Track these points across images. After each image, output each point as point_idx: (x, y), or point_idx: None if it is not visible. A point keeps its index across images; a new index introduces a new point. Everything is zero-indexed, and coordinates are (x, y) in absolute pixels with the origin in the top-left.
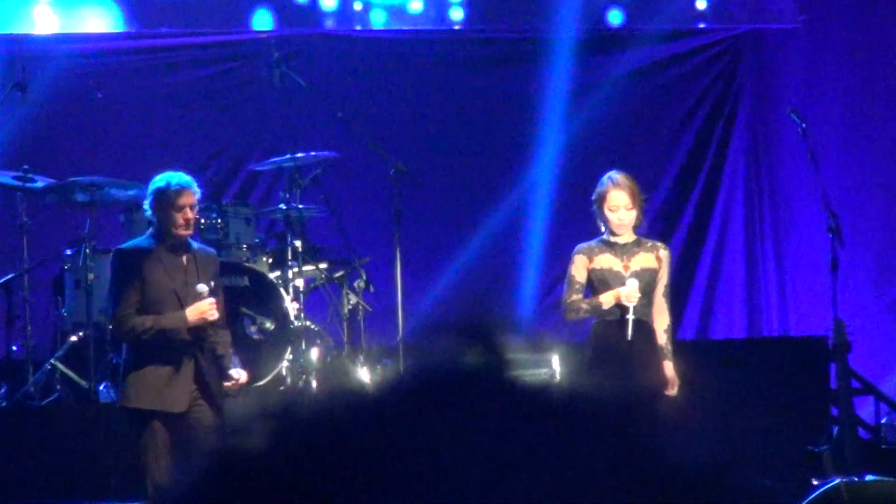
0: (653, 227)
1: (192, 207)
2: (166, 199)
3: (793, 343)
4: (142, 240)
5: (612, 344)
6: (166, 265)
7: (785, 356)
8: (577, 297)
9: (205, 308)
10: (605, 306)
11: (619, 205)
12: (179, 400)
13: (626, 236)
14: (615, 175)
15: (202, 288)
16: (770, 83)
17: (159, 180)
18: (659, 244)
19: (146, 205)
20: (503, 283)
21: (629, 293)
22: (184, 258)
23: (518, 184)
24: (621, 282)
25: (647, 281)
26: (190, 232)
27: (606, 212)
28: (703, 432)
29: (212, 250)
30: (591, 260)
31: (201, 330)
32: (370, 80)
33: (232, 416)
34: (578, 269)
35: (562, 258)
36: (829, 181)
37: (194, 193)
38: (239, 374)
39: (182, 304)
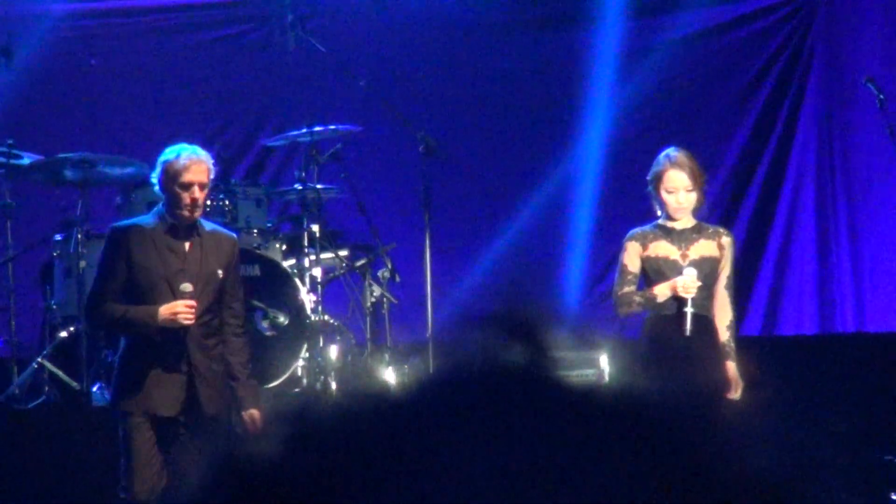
0: (712, 211)
1: (201, 187)
2: (173, 174)
3: (870, 340)
4: (144, 218)
5: (668, 342)
6: (162, 249)
7: (861, 355)
8: (629, 288)
9: (179, 309)
10: (661, 299)
11: (678, 186)
12: (167, 403)
13: (685, 221)
14: (674, 153)
15: (186, 287)
16: (844, 49)
17: (170, 152)
18: (721, 230)
19: (154, 177)
20: (546, 271)
21: (687, 284)
22: (187, 244)
23: (562, 160)
24: (678, 272)
25: (708, 271)
26: (196, 215)
27: (663, 194)
28: (768, 440)
29: (231, 234)
30: (644, 248)
31: (204, 329)
32: (397, 45)
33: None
34: (631, 257)
35: (612, 244)
36: None
37: (207, 171)
38: (251, 418)
39: (175, 296)
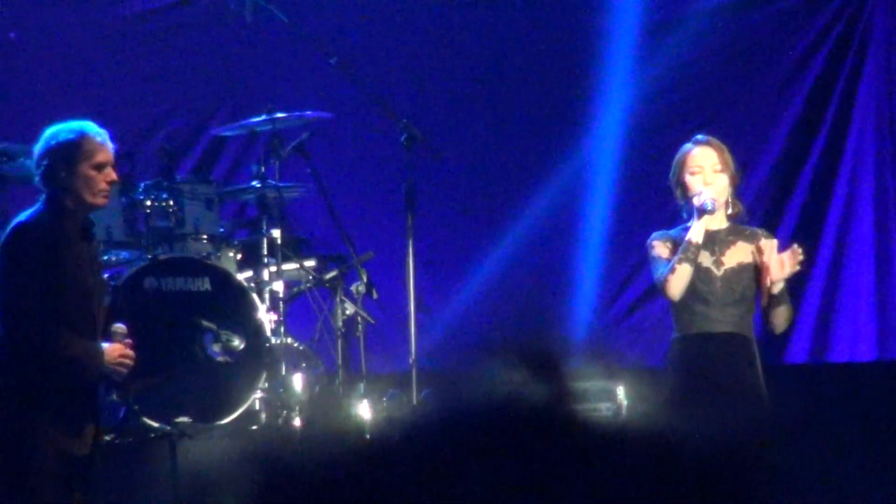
0: (750, 215)
1: (113, 167)
2: (85, 154)
3: None
4: (40, 214)
5: (698, 369)
6: (77, 254)
7: None
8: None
9: (125, 353)
10: (696, 238)
11: (704, 165)
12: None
13: (718, 220)
14: (699, 136)
15: (120, 328)
16: None
17: (64, 131)
18: (760, 231)
19: (42, 165)
20: (552, 288)
21: (703, 196)
22: (91, 244)
23: (571, 156)
24: (712, 283)
25: (746, 282)
26: (107, 201)
27: (687, 178)
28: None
29: None
30: (672, 252)
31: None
32: (375, 16)
33: (188, 464)
34: (662, 249)
35: (630, 254)
36: None
37: (111, 149)
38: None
39: (96, 318)
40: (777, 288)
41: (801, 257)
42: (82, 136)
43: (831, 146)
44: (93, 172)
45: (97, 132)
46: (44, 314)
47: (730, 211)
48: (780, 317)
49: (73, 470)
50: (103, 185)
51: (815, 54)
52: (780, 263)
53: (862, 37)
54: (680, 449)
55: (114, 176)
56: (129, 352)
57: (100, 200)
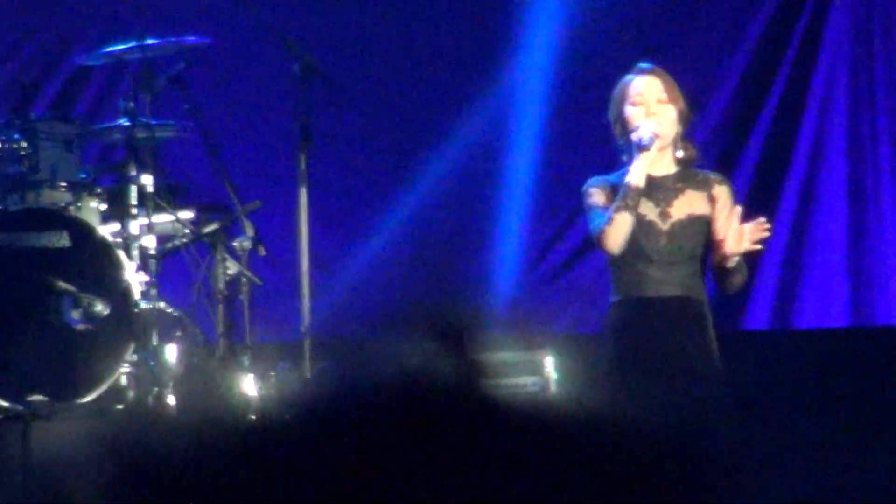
0: (703, 160)
1: None
2: None
3: None
4: None
5: (639, 337)
6: None
7: None
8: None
9: None
10: (636, 180)
11: (647, 94)
12: None
13: (665, 165)
14: (642, 64)
15: None
16: None
17: None
18: (713, 176)
19: None
20: (470, 245)
21: (643, 130)
22: None
23: (493, 90)
24: (656, 238)
25: (696, 235)
26: None
27: (628, 110)
28: (784, 468)
29: None
30: (611, 200)
31: None
32: None
33: (42, 449)
34: (599, 197)
35: (560, 204)
36: None
37: None
38: None
39: None
40: (731, 262)
41: (766, 234)
42: None
43: (796, 80)
44: None
45: None
46: None
47: (679, 154)
48: (732, 284)
49: None
50: None
51: None
52: (739, 235)
53: None
54: (618, 430)
55: None
56: None
57: None
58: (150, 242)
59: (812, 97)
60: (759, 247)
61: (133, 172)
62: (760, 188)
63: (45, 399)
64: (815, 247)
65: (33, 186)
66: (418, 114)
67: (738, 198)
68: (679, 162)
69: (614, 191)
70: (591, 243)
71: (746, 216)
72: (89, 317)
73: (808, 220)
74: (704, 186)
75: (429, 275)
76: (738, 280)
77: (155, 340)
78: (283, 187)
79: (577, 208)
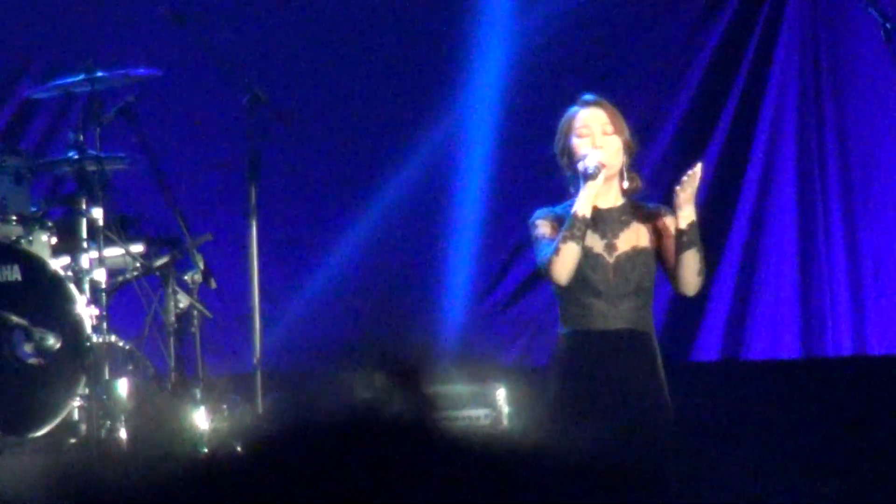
0: (650, 191)
1: None
2: None
3: (872, 366)
4: None
5: (588, 370)
6: None
7: (860, 386)
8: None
9: None
10: (582, 210)
11: (593, 125)
12: None
13: (612, 197)
14: (586, 96)
15: None
16: None
17: None
18: (663, 209)
19: None
20: (419, 277)
21: (589, 161)
22: None
23: (441, 122)
24: (604, 270)
25: (643, 269)
26: None
27: (574, 141)
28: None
29: None
30: (557, 231)
31: None
32: None
33: None
34: (547, 228)
35: (509, 235)
36: None
37: None
38: None
39: None
40: (685, 220)
41: (698, 170)
42: None
43: (745, 110)
44: None
45: None
46: None
47: (625, 185)
48: (691, 266)
49: None
50: None
51: (718, 13)
52: (682, 185)
53: None
54: (565, 463)
55: None
56: None
57: None
58: (100, 276)
59: (761, 126)
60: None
61: (83, 205)
62: (709, 219)
63: None
64: (765, 278)
65: None
66: (367, 146)
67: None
68: (625, 193)
69: (561, 222)
70: (540, 275)
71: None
72: (41, 351)
73: (757, 252)
74: (651, 219)
75: (378, 306)
76: (694, 262)
77: (106, 374)
78: (233, 220)
79: (525, 241)
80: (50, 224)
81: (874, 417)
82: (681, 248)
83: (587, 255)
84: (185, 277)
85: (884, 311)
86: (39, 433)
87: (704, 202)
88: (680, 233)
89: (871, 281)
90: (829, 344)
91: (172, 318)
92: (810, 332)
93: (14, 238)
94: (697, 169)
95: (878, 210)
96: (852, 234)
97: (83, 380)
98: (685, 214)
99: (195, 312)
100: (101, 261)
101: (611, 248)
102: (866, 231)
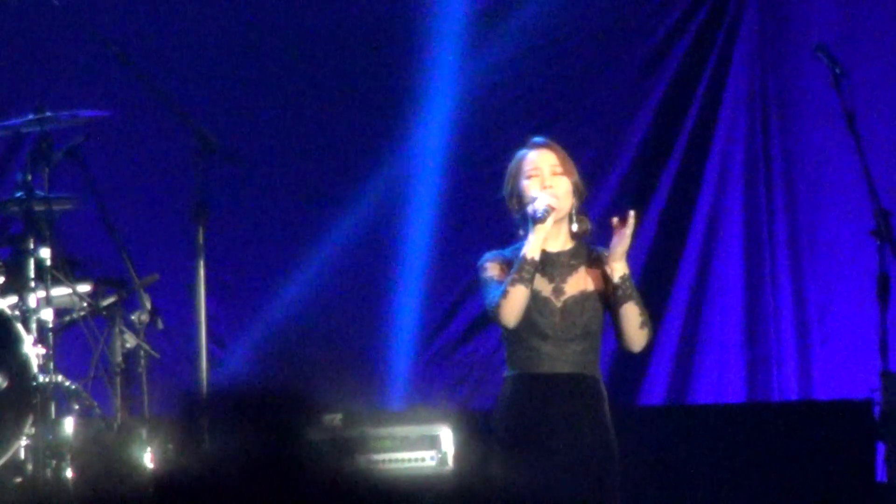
0: (598, 235)
1: None
2: None
3: (819, 410)
4: None
5: (534, 415)
6: None
7: (807, 431)
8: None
9: None
10: (531, 253)
11: (542, 166)
12: None
13: (561, 241)
14: (535, 138)
15: None
16: (786, 7)
17: None
18: (608, 252)
19: None
20: (367, 319)
21: (538, 204)
22: None
23: (388, 164)
24: (551, 315)
25: (591, 312)
26: None
27: (523, 183)
28: None
29: None
30: (505, 274)
31: None
32: (162, 3)
33: None
34: (494, 271)
35: (457, 277)
36: (880, 161)
37: None
38: None
39: None
40: (617, 273)
41: (631, 221)
42: None
43: (694, 152)
44: None
45: None
46: None
47: (574, 227)
48: (631, 319)
49: None
50: None
51: (675, 45)
52: (618, 237)
53: (732, 25)
54: None
55: None
56: None
57: None
58: (47, 315)
59: (709, 170)
60: (633, 225)
61: (31, 245)
62: (657, 263)
63: None
64: (712, 322)
65: None
66: (315, 187)
67: (633, 273)
68: (574, 237)
69: (510, 264)
70: (487, 318)
71: (644, 290)
72: None
73: (704, 295)
74: (599, 263)
75: (325, 349)
76: (635, 316)
77: (53, 414)
78: (180, 260)
79: (472, 283)
80: None
81: (819, 461)
82: (617, 302)
83: (535, 299)
84: (133, 318)
85: (829, 355)
86: None
87: (652, 244)
88: (615, 287)
89: (817, 325)
90: (774, 388)
91: (119, 359)
92: (756, 376)
93: None
94: (630, 219)
95: (824, 254)
96: (798, 278)
97: (29, 419)
98: (618, 268)
99: (142, 352)
100: (48, 300)
101: (559, 291)
102: (812, 275)
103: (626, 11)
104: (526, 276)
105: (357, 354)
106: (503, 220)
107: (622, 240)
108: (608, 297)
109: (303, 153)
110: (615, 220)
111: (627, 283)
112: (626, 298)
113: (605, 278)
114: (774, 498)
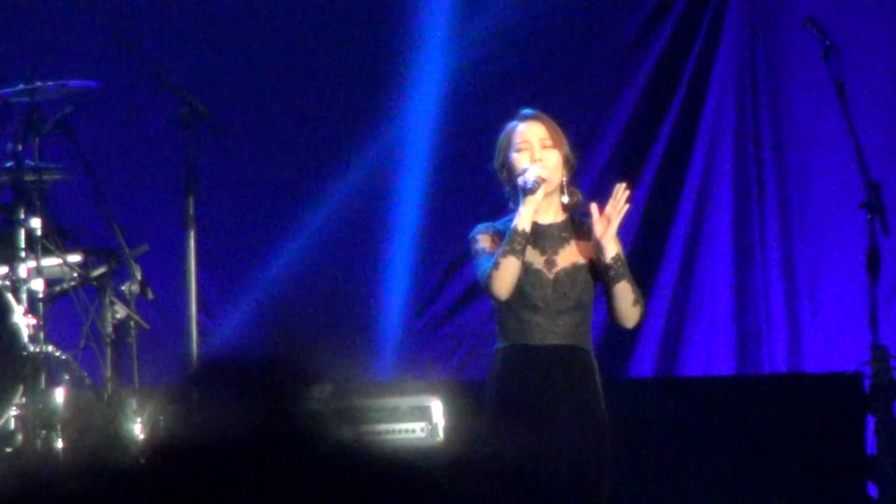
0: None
1: None
2: None
3: (809, 383)
4: None
5: (524, 385)
6: None
7: (797, 403)
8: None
9: None
10: (522, 225)
11: (532, 139)
12: None
13: (552, 213)
14: (525, 111)
15: None
16: None
17: None
18: None
19: None
20: (357, 291)
21: (528, 175)
22: None
23: (379, 134)
24: (543, 286)
25: (582, 285)
26: None
27: (513, 156)
28: None
29: None
30: (496, 245)
31: None
32: None
33: None
34: (485, 242)
35: (447, 248)
36: (869, 133)
37: None
38: None
39: None
40: (609, 253)
41: (626, 192)
42: None
43: (683, 125)
44: None
45: None
46: None
47: (565, 200)
48: (624, 297)
49: None
50: None
51: (664, 19)
52: (605, 217)
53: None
54: (501, 477)
55: None
56: None
57: None
58: (38, 286)
59: (699, 143)
60: (626, 207)
61: (21, 215)
62: (647, 235)
63: None
64: (701, 294)
65: None
66: (304, 160)
67: (624, 244)
68: (565, 209)
69: (501, 237)
70: (478, 289)
71: (635, 262)
72: None
73: (693, 268)
74: (590, 235)
75: (314, 320)
76: (628, 294)
77: (43, 384)
78: (170, 231)
79: (464, 254)
80: None
81: (809, 434)
82: (610, 281)
83: (527, 271)
84: (123, 288)
85: (819, 328)
86: None
87: (642, 217)
88: (606, 267)
89: (807, 298)
90: (764, 361)
91: (109, 329)
92: (745, 349)
93: None
94: (621, 192)
95: (814, 227)
96: (788, 251)
97: (20, 389)
98: (610, 248)
99: (132, 323)
100: (38, 271)
101: (551, 263)
102: (802, 248)
103: None
104: (517, 247)
105: (348, 325)
106: (492, 193)
107: (616, 216)
108: (599, 271)
109: (293, 126)
110: (593, 205)
111: (619, 263)
112: (619, 278)
113: (597, 250)
114: (764, 470)
